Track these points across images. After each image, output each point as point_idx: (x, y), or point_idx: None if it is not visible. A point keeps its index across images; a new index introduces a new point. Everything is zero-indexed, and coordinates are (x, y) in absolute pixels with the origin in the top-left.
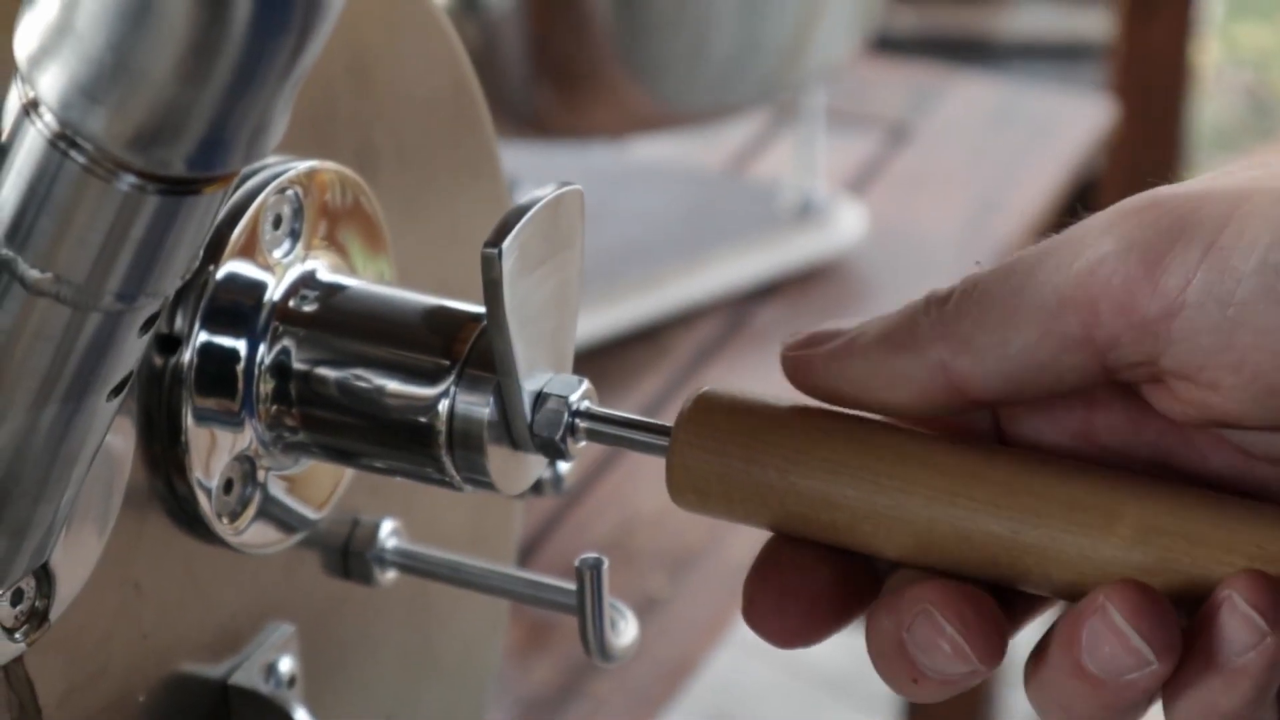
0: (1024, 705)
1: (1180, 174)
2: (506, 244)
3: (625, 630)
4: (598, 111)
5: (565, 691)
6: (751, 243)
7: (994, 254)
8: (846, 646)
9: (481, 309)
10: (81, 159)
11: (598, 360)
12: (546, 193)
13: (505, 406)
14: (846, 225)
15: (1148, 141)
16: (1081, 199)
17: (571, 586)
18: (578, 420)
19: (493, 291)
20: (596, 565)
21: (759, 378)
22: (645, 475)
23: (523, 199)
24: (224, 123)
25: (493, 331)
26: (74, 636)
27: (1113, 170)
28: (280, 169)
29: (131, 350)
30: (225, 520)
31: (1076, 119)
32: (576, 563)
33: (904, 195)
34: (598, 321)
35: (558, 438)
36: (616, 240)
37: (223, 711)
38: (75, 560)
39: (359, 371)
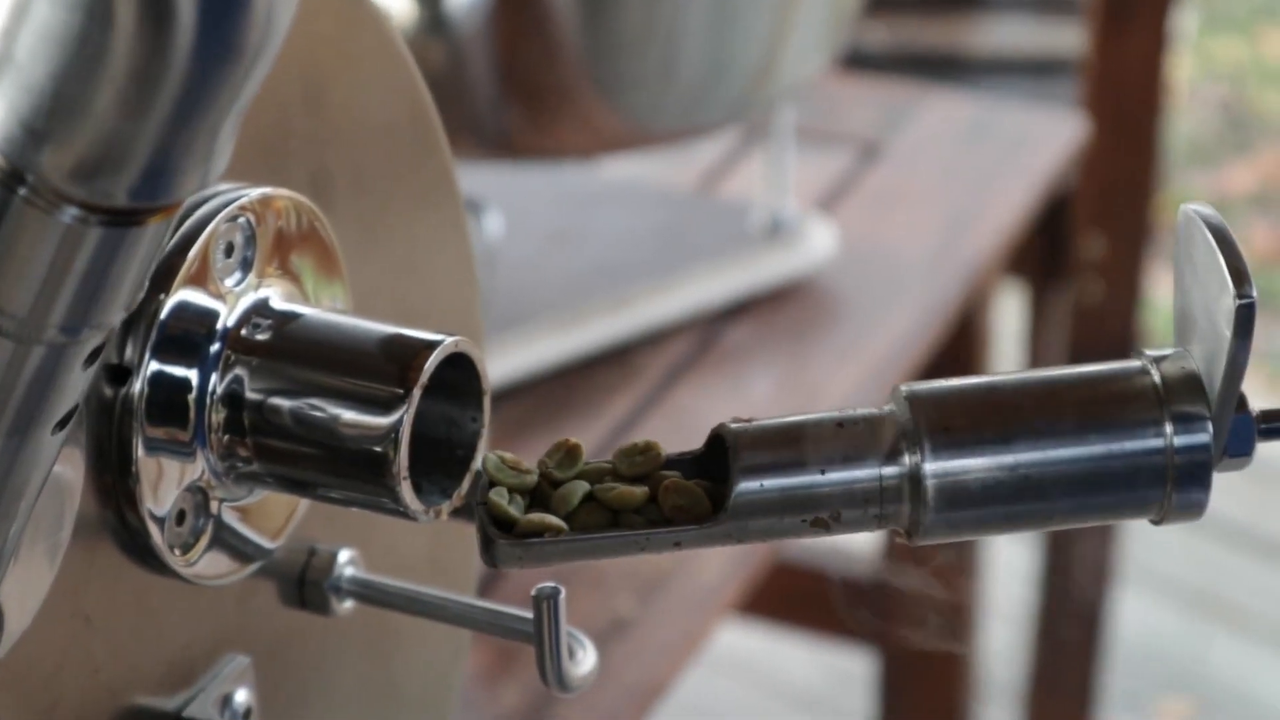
0: None
1: (1155, 190)
2: None
3: (584, 660)
4: (567, 132)
5: (533, 716)
6: (722, 262)
7: (967, 272)
8: (819, 664)
9: (436, 336)
10: (22, 191)
11: (567, 381)
12: None
13: None
14: (818, 244)
15: (1122, 157)
16: (1055, 216)
17: (529, 615)
18: None
19: None
20: (553, 594)
21: (729, 396)
22: None
23: None
24: (167, 152)
25: None
26: (22, 673)
27: (1087, 186)
28: (232, 196)
29: (76, 383)
30: (177, 552)
31: (1050, 135)
32: (533, 592)
33: (876, 213)
34: (567, 343)
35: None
36: (586, 260)
37: None
38: (23, 594)
39: (313, 401)
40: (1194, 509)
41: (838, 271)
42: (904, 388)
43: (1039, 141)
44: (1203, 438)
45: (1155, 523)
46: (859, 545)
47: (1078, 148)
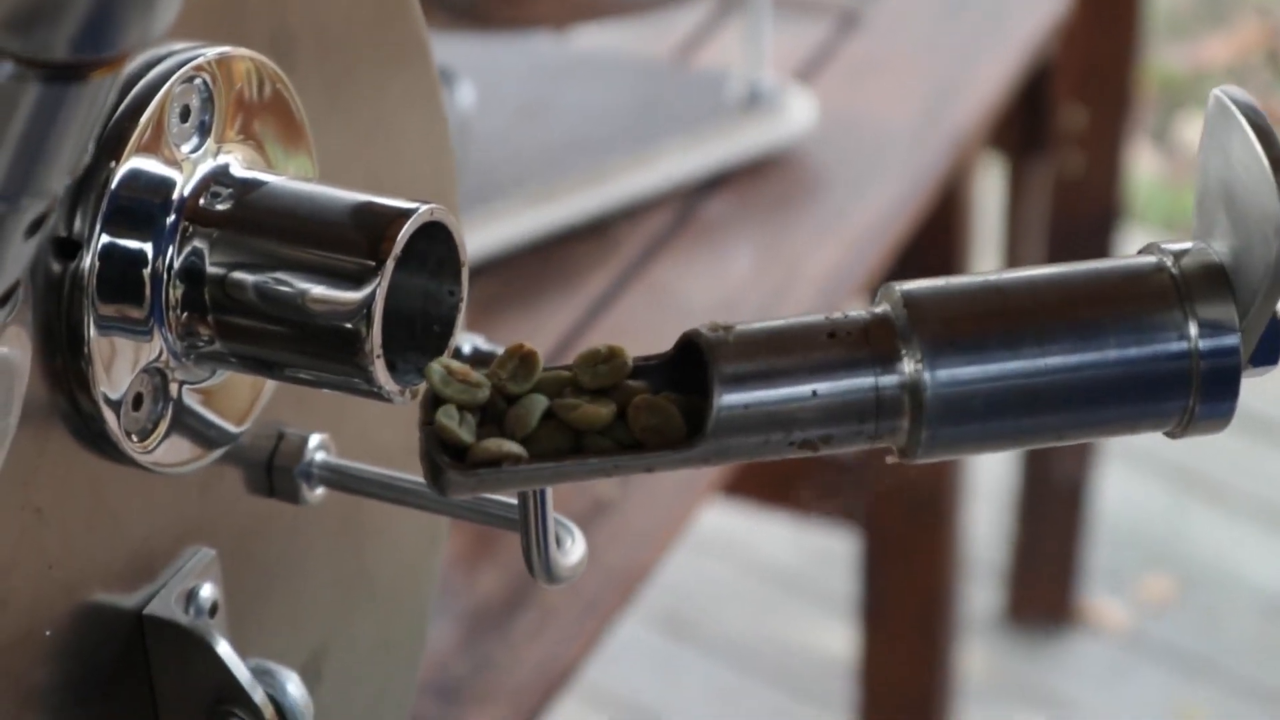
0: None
1: (1135, 62)
2: None
3: (572, 549)
4: (539, 2)
5: (513, 602)
6: (699, 134)
7: (950, 144)
8: (800, 544)
9: (410, 204)
10: None
11: (543, 256)
12: None
13: None
14: (796, 115)
15: (1102, 29)
16: (1035, 88)
17: (514, 502)
18: None
19: None
20: None
21: (708, 271)
22: None
23: None
24: None
25: None
26: None
27: (1067, 58)
28: (187, 56)
29: (17, 256)
30: (135, 438)
31: (1031, 5)
32: None
33: (855, 84)
34: (541, 217)
35: None
36: (560, 134)
37: (138, 644)
38: None
39: (278, 275)
40: (1219, 421)
41: (817, 144)
42: (898, 287)
43: (1020, 12)
44: (1231, 340)
45: (1173, 435)
46: None
47: (1059, 19)
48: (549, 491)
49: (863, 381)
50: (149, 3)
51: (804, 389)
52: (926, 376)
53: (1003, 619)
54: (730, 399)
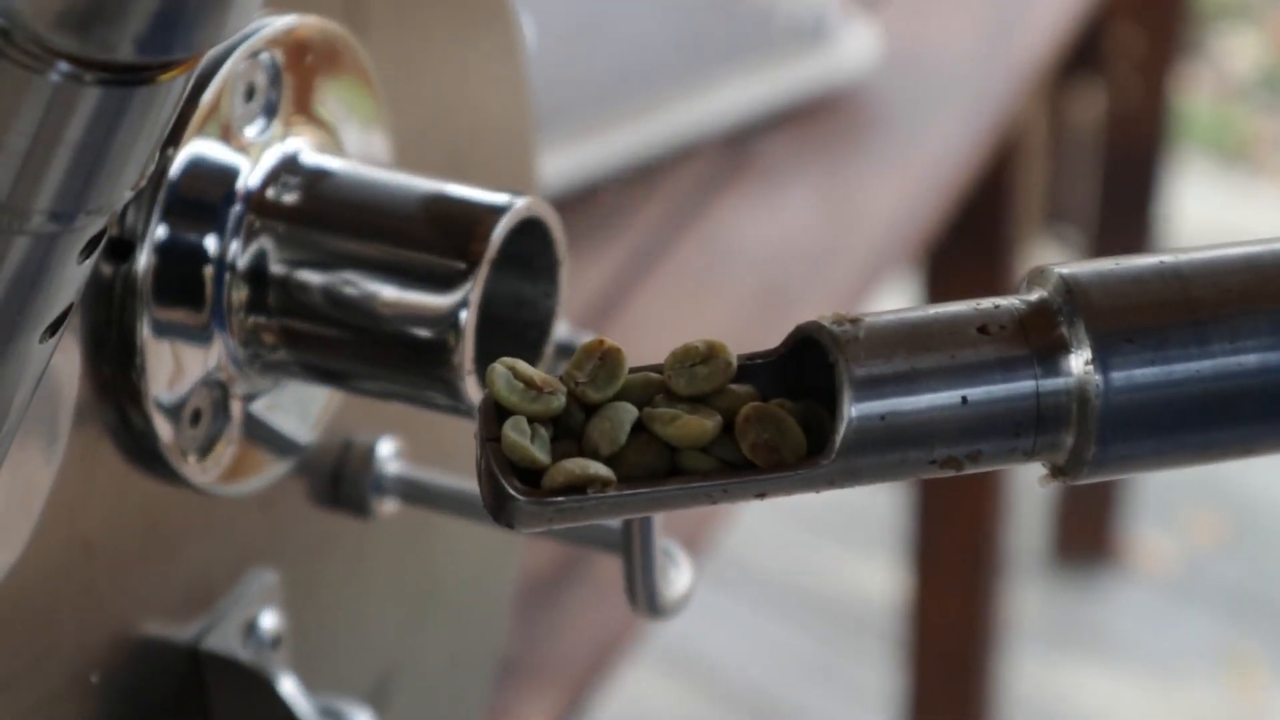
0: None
1: None
2: None
3: (677, 578)
4: None
5: (565, 574)
6: (752, 68)
7: (1017, 77)
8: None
9: (504, 198)
10: None
11: (585, 199)
12: None
13: None
14: (857, 48)
15: None
16: (1102, 14)
17: (616, 524)
18: None
19: None
20: None
21: (765, 213)
22: (645, 330)
23: None
24: None
25: None
26: (10, 615)
27: None
28: (251, 28)
29: (70, 280)
30: (192, 458)
31: None
32: None
33: (918, 14)
34: (585, 156)
35: None
36: (604, 67)
37: (194, 682)
38: (9, 524)
39: (352, 275)
40: None
41: (878, 78)
42: (1057, 269)
43: None
44: None
45: None
46: None
47: None
48: (654, 516)
49: (1022, 386)
50: None
51: (952, 395)
52: (1099, 379)
53: (1050, 557)
54: (865, 408)
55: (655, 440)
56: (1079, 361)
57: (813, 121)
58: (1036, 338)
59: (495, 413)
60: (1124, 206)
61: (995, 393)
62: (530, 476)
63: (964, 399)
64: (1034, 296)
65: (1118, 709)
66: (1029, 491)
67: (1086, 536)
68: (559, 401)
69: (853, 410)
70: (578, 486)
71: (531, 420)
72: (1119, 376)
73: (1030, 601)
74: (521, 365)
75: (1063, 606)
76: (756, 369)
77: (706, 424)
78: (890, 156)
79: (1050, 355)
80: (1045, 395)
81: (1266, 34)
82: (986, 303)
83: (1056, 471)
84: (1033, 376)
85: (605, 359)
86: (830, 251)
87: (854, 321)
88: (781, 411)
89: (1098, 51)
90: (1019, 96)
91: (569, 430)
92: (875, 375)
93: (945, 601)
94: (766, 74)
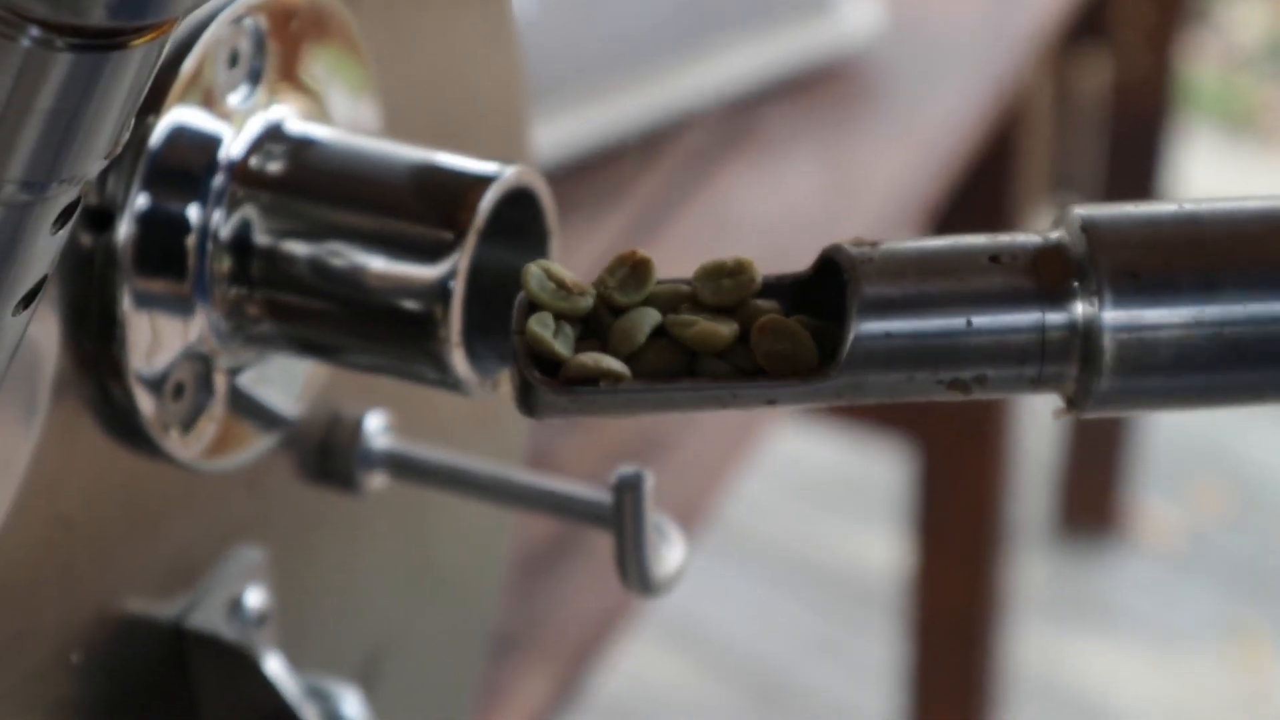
0: None
1: None
2: None
3: (670, 555)
4: None
5: (562, 549)
6: (754, 37)
7: (1021, 43)
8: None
9: (493, 167)
10: None
11: (586, 168)
12: None
13: None
14: (859, 16)
15: None
16: None
17: (598, 497)
18: None
19: None
20: (636, 482)
21: (768, 183)
22: None
23: None
24: None
25: None
26: None
27: None
28: None
29: (44, 251)
30: (174, 432)
31: None
32: (613, 479)
33: None
34: (582, 125)
35: None
36: (605, 34)
37: (179, 661)
38: None
39: (338, 246)
40: None
41: (881, 45)
42: (1079, 212)
43: None
44: None
45: None
46: None
47: None
48: (648, 492)
49: (1027, 317)
50: None
51: (957, 320)
52: (1105, 317)
53: (1055, 528)
54: (871, 325)
55: (674, 344)
56: (1086, 299)
57: (815, 90)
58: (1047, 270)
59: (528, 309)
60: (1130, 175)
61: (1001, 320)
62: (554, 370)
63: (969, 323)
64: (1054, 235)
65: (1122, 681)
66: (1033, 462)
67: (1091, 508)
68: (586, 302)
69: (859, 326)
70: (590, 379)
71: (559, 317)
72: (1124, 315)
73: (1035, 573)
74: (555, 267)
75: (1067, 578)
76: (783, 288)
77: (722, 330)
78: (893, 125)
79: (1058, 288)
80: (1051, 328)
81: (1273, 3)
82: (1005, 237)
83: (1068, 403)
84: (1040, 309)
85: (636, 268)
86: (833, 221)
87: (872, 244)
88: (797, 325)
89: (1104, 20)
90: (1023, 65)
91: (598, 332)
92: (883, 294)
93: (949, 574)
94: (768, 43)
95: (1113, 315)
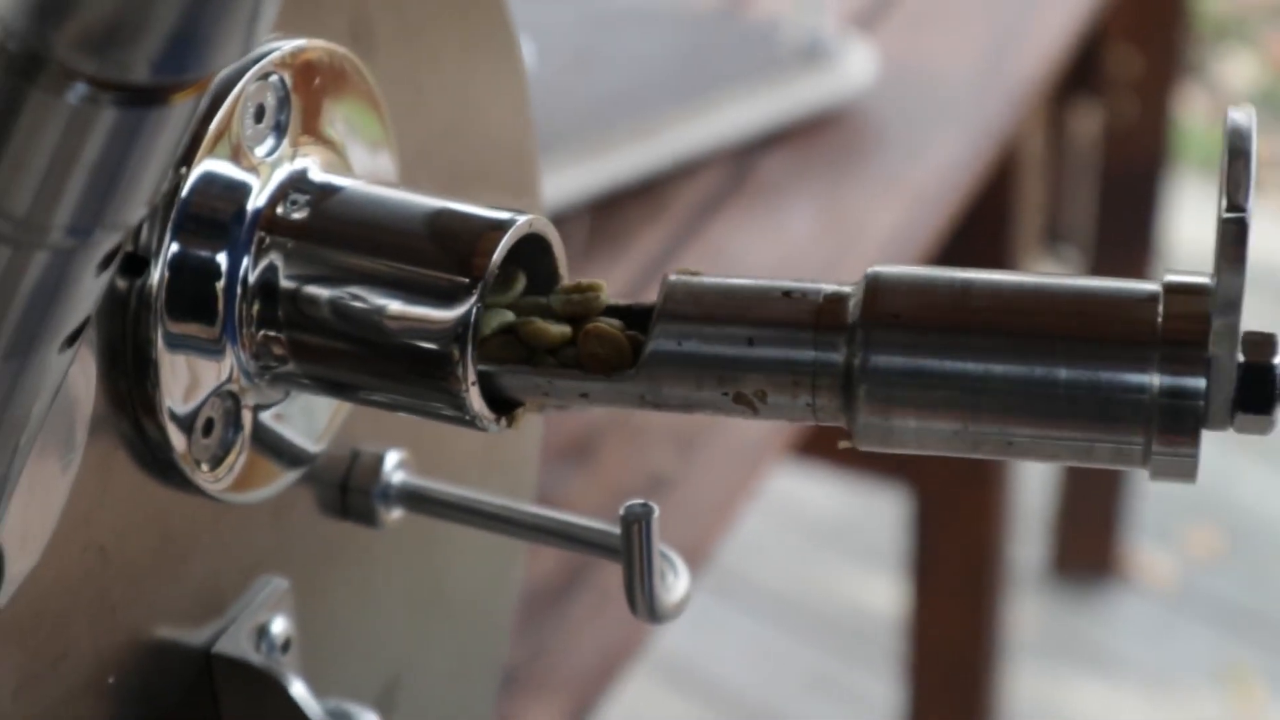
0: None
1: (1190, 6)
2: None
3: (676, 584)
4: None
5: (571, 582)
6: (753, 88)
7: (1015, 96)
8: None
9: (506, 215)
10: (19, 66)
11: (591, 216)
12: None
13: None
14: (855, 67)
15: None
16: (1100, 34)
17: (607, 527)
18: None
19: None
20: (645, 515)
21: (767, 232)
22: None
23: None
24: (199, 12)
25: None
26: (28, 619)
27: (1127, 6)
28: (261, 51)
29: (88, 293)
30: (205, 467)
31: None
32: (622, 511)
33: (915, 33)
34: (589, 175)
35: None
36: (608, 88)
37: (206, 685)
38: (26, 529)
39: (359, 290)
40: (1184, 467)
41: (876, 96)
42: (873, 268)
43: None
44: (1194, 382)
45: (1152, 477)
46: None
47: None
48: (655, 525)
49: (800, 348)
50: (240, 18)
51: (740, 336)
52: (857, 360)
53: (1049, 572)
54: (665, 331)
55: (517, 340)
56: (850, 342)
57: (813, 140)
58: (828, 311)
59: None
60: (1123, 226)
61: (778, 343)
62: None
63: (750, 341)
64: (849, 287)
65: None
66: (1029, 506)
67: (1086, 551)
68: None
69: (657, 334)
70: None
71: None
72: (878, 361)
73: (1030, 615)
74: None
75: (1062, 620)
76: (632, 313)
77: (553, 329)
78: (889, 174)
79: (830, 330)
80: (820, 362)
81: (1263, 55)
82: (809, 282)
83: (848, 436)
84: (812, 342)
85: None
86: (830, 268)
87: (695, 274)
88: (620, 335)
89: (1096, 71)
90: (1017, 115)
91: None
92: (683, 312)
93: (946, 615)
94: (767, 93)
95: (864, 357)
